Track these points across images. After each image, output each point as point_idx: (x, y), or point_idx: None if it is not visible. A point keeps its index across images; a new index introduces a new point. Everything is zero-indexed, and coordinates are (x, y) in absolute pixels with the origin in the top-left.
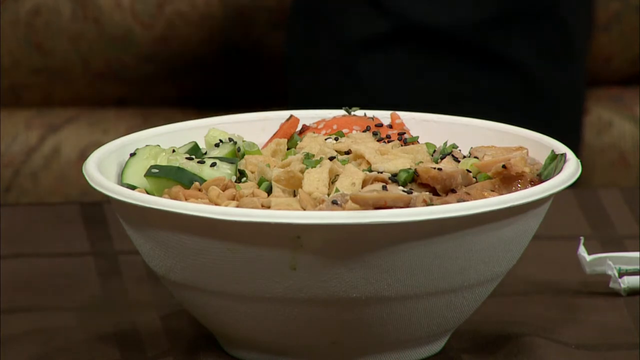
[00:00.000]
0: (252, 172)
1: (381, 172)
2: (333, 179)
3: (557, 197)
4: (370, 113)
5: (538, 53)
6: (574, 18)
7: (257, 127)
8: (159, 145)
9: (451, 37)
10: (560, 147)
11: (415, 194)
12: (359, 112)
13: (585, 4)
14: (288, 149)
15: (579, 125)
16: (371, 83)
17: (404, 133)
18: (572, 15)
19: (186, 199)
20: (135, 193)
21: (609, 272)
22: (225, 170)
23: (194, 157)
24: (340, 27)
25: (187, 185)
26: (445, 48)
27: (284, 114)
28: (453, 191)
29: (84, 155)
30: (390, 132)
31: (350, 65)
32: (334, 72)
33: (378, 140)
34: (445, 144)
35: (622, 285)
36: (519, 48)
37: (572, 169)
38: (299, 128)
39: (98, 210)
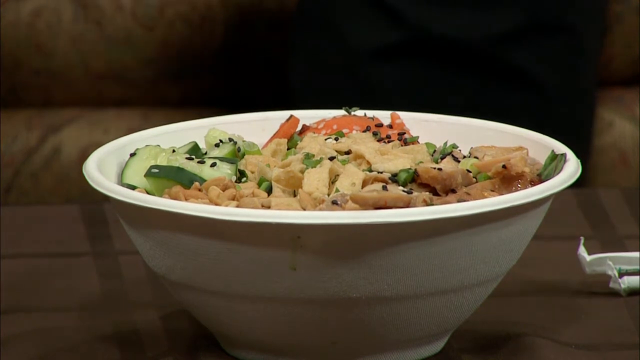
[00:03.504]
0: (252, 172)
1: (381, 172)
2: (333, 179)
3: (557, 197)
4: (370, 113)
5: (551, 66)
6: (587, 30)
7: (257, 127)
8: (159, 145)
9: (464, 49)
10: (560, 147)
11: (415, 194)
12: (359, 112)
13: (597, 15)
14: (288, 149)
15: (590, 137)
16: (380, 93)
17: (404, 133)
18: (584, 27)
19: (186, 199)
20: (135, 193)
21: (609, 272)
22: (225, 170)
23: (194, 157)
24: (349, 35)
25: (187, 185)
26: (458, 60)
27: (284, 114)
28: (453, 191)
29: (84, 156)
30: (390, 132)
31: (359, 75)
32: (341, 80)
33: (378, 140)
34: (445, 144)
35: (622, 285)
36: (532, 61)
37: (572, 169)
38: (299, 128)
39: (98, 210)
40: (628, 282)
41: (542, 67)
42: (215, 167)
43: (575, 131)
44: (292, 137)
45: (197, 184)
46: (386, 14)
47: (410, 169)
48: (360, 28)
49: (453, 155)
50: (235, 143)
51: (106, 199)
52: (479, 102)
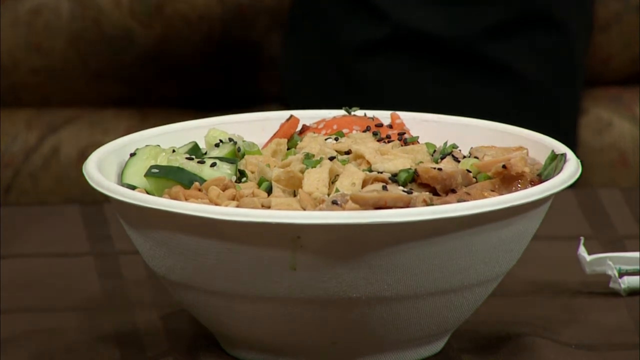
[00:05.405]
0: (252, 172)
1: (381, 172)
2: (333, 179)
3: (557, 197)
4: (370, 113)
5: (536, 61)
6: (573, 26)
7: (257, 127)
8: (159, 145)
9: (449, 45)
10: (560, 147)
11: (415, 194)
12: (359, 112)
13: (584, 11)
14: (288, 149)
15: (575, 130)
16: (369, 89)
17: (404, 133)
18: (570, 23)
19: (186, 199)
20: (135, 193)
21: (609, 272)
22: (225, 170)
23: (194, 157)
24: (339, 32)
25: (187, 185)
26: (444, 56)
27: (284, 114)
28: (453, 191)
29: (83, 156)
30: (390, 132)
31: (348, 71)
32: (332, 77)
33: (378, 140)
34: (445, 144)
35: (622, 285)
36: (517, 56)
37: (572, 169)
38: (299, 128)
39: (98, 210)
40: (628, 282)
41: (526, 63)
42: (215, 167)
43: (560, 127)
44: (292, 137)
45: (197, 184)
46: (371, 11)
47: (410, 169)
48: (346, 25)
49: (453, 155)
50: (235, 143)
51: (106, 199)
52: (465, 97)
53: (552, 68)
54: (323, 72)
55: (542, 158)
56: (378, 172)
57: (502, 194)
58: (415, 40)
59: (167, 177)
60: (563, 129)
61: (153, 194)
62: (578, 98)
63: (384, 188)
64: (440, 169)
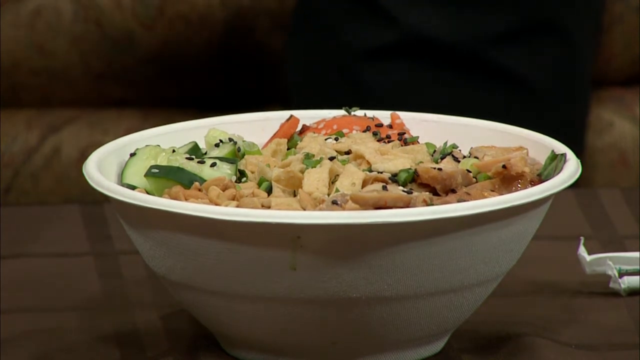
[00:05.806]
0: (252, 172)
1: (381, 172)
2: (333, 179)
3: (557, 197)
4: (370, 113)
5: (543, 67)
6: (580, 32)
7: (257, 127)
8: (159, 145)
9: (456, 51)
10: (560, 147)
11: (415, 194)
12: (359, 112)
13: (591, 16)
14: (288, 149)
15: (583, 137)
16: (374, 93)
17: (404, 133)
18: (577, 29)
19: (186, 199)
20: (135, 193)
21: (609, 272)
22: (225, 170)
23: (194, 157)
24: (345, 36)
25: (187, 185)
26: (449, 61)
27: (284, 114)
28: (453, 191)
29: (84, 156)
30: (390, 132)
31: (353, 75)
32: (335, 80)
33: (378, 140)
34: (445, 144)
35: (622, 285)
36: (523, 63)
37: (572, 169)
38: (299, 128)
39: (98, 210)
40: (628, 282)
41: (534, 69)
42: (215, 167)
43: (568, 132)
44: (292, 137)
45: (197, 184)
46: (379, 15)
47: (410, 169)
48: (354, 29)
49: (453, 155)
50: (235, 143)
51: (106, 199)
52: (471, 103)
53: (559, 75)
54: (326, 75)
55: (542, 158)
56: (378, 172)
57: (502, 194)
58: (421, 46)
59: (167, 177)
60: (570, 135)
61: (153, 194)
62: (585, 105)
63: (384, 188)
64: (440, 169)
